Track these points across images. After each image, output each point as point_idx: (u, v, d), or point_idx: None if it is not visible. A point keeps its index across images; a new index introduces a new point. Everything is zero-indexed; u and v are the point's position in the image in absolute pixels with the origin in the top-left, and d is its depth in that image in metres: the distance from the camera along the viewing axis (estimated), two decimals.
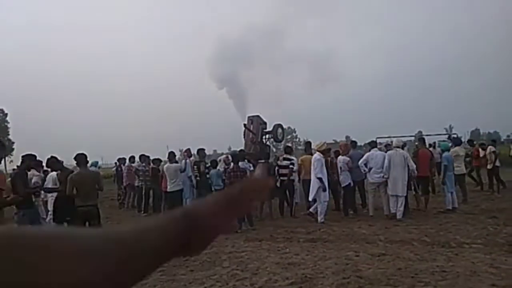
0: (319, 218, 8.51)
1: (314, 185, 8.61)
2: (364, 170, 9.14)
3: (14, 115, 60.69)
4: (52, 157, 7.21)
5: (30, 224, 6.62)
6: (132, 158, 13.06)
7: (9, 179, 6.10)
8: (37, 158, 7.02)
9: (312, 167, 8.67)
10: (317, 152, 8.81)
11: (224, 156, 11.63)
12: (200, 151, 10.38)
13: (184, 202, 10.33)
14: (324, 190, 8.57)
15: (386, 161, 8.69)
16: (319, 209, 8.58)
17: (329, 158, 10.25)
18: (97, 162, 12.06)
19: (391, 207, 8.61)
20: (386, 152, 9.09)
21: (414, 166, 8.82)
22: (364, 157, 9.19)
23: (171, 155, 10.18)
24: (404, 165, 8.54)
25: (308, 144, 11.54)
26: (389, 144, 10.20)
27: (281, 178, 9.83)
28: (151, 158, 12.04)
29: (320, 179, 8.50)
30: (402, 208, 8.39)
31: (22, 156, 6.96)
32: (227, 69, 22.62)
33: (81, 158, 6.26)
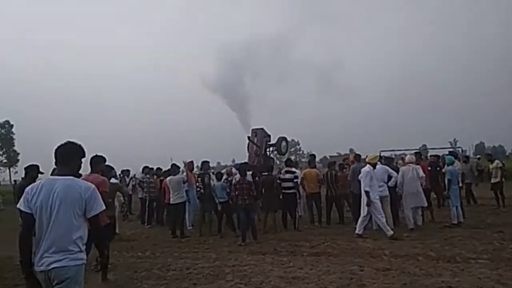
0: (356, 230, 8.34)
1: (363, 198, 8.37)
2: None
3: (20, 126, 60.96)
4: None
5: (35, 234, 6.60)
6: (145, 169, 12.70)
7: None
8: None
9: (362, 179, 8.41)
10: (368, 165, 8.61)
11: (227, 168, 11.63)
12: (204, 163, 10.39)
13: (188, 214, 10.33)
14: (368, 204, 8.30)
15: (399, 177, 8.99)
16: (359, 221, 8.38)
17: (333, 172, 10.26)
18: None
19: (410, 220, 8.80)
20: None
21: (423, 174, 9.05)
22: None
23: (174, 168, 10.18)
24: (417, 179, 8.86)
25: (312, 157, 11.52)
26: (392, 158, 10.21)
27: (284, 191, 9.81)
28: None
29: (367, 192, 8.27)
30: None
31: (25, 168, 6.99)
32: (230, 80, 22.68)
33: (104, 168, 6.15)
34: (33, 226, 2.86)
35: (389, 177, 9.01)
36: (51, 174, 3.18)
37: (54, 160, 3.05)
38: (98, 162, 6.01)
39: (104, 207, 3.05)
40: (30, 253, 2.89)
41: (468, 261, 5.93)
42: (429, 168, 10.19)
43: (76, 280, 2.85)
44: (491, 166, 12.13)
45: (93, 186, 3.04)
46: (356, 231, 8.31)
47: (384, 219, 8.20)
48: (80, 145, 3.14)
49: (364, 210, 8.36)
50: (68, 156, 3.05)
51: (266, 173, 10.12)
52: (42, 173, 6.98)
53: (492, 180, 11.62)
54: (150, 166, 12.49)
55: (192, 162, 10.26)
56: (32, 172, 6.79)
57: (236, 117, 21.18)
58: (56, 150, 3.03)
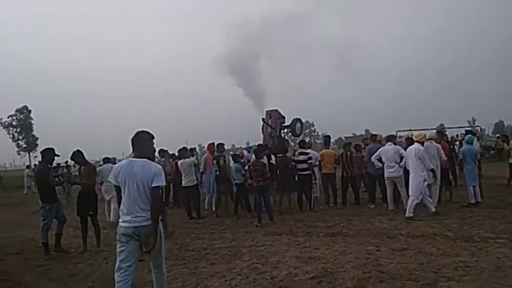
0: (407, 213, 7.95)
1: (418, 179, 8.00)
2: (378, 165, 9.09)
3: (38, 111, 62.13)
4: (77, 150, 7.34)
5: (55, 217, 6.78)
6: (161, 152, 12.56)
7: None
8: (80, 151, 7.28)
9: (415, 159, 8.06)
10: (417, 143, 8.33)
11: (240, 150, 11.64)
12: (220, 145, 10.43)
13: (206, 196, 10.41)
14: (435, 179, 8.34)
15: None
16: (409, 203, 8.02)
17: (348, 153, 10.20)
18: (115, 158, 12.11)
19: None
20: (406, 146, 8.99)
21: (445, 157, 8.86)
22: (377, 152, 9.11)
23: (183, 151, 10.24)
24: (437, 157, 8.63)
25: (327, 138, 11.44)
26: (409, 138, 10.03)
27: (299, 172, 9.81)
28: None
29: (432, 170, 8.15)
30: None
31: (41, 152, 7.14)
32: (244, 61, 22.31)
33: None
34: (120, 193, 3.76)
35: (401, 158, 8.86)
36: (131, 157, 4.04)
37: (131, 147, 3.89)
38: (45, 153, 6.78)
39: (164, 183, 3.86)
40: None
41: (487, 241, 5.87)
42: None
43: (157, 234, 3.64)
44: (507, 147, 11.93)
45: (160, 167, 3.89)
46: (407, 214, 7.93)
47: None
48: (148, 132, 3.96)
49: (413, 190, 8.04)
50: (140, 142, 3.86)
51: (280, 155, 10.12)
52: (58, 155, 7.16)
53: (510, 160, 11.38)
54: (165, 149, 12.59)
55: (213, 143, 10.25)
56: (48, 155, 6.95)
57: (250, 98, 21.08)
58: (132, 139, 3.86)
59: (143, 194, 3.68)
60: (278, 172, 9.77)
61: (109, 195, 10.03)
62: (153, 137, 4.01)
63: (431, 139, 9.14)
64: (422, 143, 8.46)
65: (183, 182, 9.72)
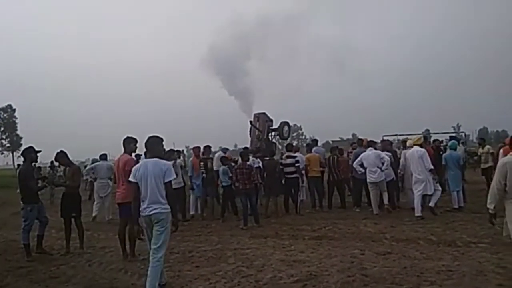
0: (417, 212, 8.24)
1: (426, 179, 8.34)
2: (360, 171, 9.22)
3: (22, 110, 61.11)
4: (61, 151, 7.22)
5: (37, 219, 6.66)
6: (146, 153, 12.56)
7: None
8: (37, 150, 6.99)
9: (419, 161, 8.38)
10: (416, 146, 8.69)
11: (218, 153, 11.56)
12: (207, 148, 10.39)
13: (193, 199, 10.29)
14: (437, 181, 8.64)
15: (402, 159, 9.28)
16: (417, 203, 8.32)
17: (335, 157, 10.26)
18: (105, 156, 11.84)
19: (410, 201, 9.02)
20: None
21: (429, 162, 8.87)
22: (359, 157, 9.22)
23: (169, 152, 10.14)
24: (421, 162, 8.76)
25: (313, 142, 11.46)
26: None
27: (286, 176, 9.83)
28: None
29: (432, 170, 8.37)
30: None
31: (22, 153, 6.99)
32: (234, 62, 22.13)
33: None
34: (138, 189, 4.57)
35: (382, 162, 8.99)
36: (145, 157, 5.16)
37: (145, 149, 4.97)
38: (129, 143, 6.36)
39: (175, 176, 4.77)
40: (139, 206, 4.56)
41: (469, 245, 5.96)
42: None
43: (167, 221, 4.55)
44: (481, 151, 11.99)
45: (169, 163, 4.83)
46: (416, 214, 8.22)
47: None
48: (158, 136, 4.84)
49: (420, 189, 8.33)
50: (152, 145, 4.77)
51: (268, 158, 10.14)
52: (39, 151, 6.98)
53: (482, 166, 11.44)
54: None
55: (198, 147, 10.18)
56: (30, 155, 6.78)
57: (238, 100, 21.03)
58: (145, 142, 4.78)
59: (156, 188, 4.50)
60: (265, 175, 9.77)
61: (104, 191, 10.20)
62: (162, 140, 4.88)
63: (410, 146, 9.36)
64: (421, 145, 8.74)
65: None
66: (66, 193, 7.06)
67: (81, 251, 6.87)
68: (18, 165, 33.02)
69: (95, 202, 10.41)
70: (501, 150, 9.40)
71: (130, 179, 4.67)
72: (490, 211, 4.54)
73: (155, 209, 4.48)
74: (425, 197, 8.49)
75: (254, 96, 20.88)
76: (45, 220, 6.90)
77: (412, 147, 9.45)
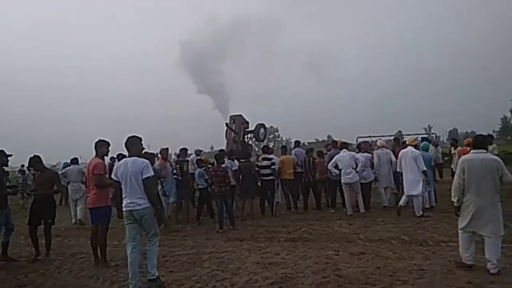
0: (418, 212, 8.42)
1: (417, 179, 8.46)
2: (334, 172, 9.35)
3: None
4: (35, 156, 6.93)
5: (4, 224, 6.40)
6: (119, 156, 12.36)
7: None
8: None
9: (413, 162, 8.51)
10: (410, 146, 8.82)
11: (192, 156, 11.44)
12: (182, 150, 10.27)
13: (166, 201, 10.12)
14: (428, 182, 8.91)
15: (375, 159, 9.66)
16: (417, 203, 8.49)
17: (310, 158, 10.34)
18: (77, 160, 11.53)
19: (383, 200, 9.72)
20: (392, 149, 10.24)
21: (395, 161, 9.47)
22: (333, 159, 9.34)
23: (147, 155, 9.97)
24: (388, 162, 9.68)
25: (296, 143, 11.48)
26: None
27: (262, 178, 9.83)
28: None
29: (425, 172, 8.48)
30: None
31: None
32: (210, 64, 21.99)
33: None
34: (120, 187, 4.89)
35: (357, 164, 9.27)
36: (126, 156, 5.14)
37: (125, 148, 5.07)
38: (101, 146, 6.25)
39: (153, 173, 4.99)
40: (121, 202, 4.89)
41: (440, 244, 6.11)
42: None
43: (149, 214, 4.88)
44: (453, 151, 12.30)
45: (146, 161, 4.99)
46: (417, 213, 8.43)
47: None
48: (137, 136, 5.13)
49: (415, 189, 8.49)
50: (131, 144, 5.03)
51: (243, 160, 10.11)
52: (10, 155, 6.73)
53: (452, 166, 11.75)
54: (124, 153, 12.23)
55: (166, 149, 9.95)
56: (0, 158, 6.52)
57: (214, 102, 20.95)
58: (125, 142, 5.03)
59: (136, 185, 4.80)
60: (241, 177, 9.72)
61: (77, 195, 10.24)
62: (141, 139, 5.16)
63: (382, 146, 9.80)
64: (415, 146, 9.01)
65: None
66: (39, 199, 6.75)
67: (50, 258, 6.65)
68: None
69: (72, 207, 10.43)
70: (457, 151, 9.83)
71: (112, 177, 5.01)
72: (454, 204, 5.02)
73: (137, 204, 4.80)
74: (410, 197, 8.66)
75: (229, 97, 20.86)
76: (11, 227, 6.63)
77: (383, 147, 9.82)
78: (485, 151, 4.92)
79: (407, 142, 9.34)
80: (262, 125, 16.21)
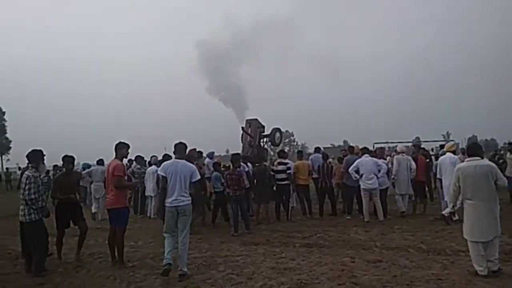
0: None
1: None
2: (355, 177, 9.20)
3: (12, 113, 60.21)
4: (70, 156, 6.89)
5: None
6: (138, 158, 12.46)
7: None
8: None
9: (451, 168, 8.03)
10: (449, 153, 8.70)
11: (207, 160, 11.49)
12: (198, 153, 10.36)
13: None
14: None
15: (395, 165, 9.44)
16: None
17: (327, 163, 10.28)
18: (102, 161, 11.83)
19: (400, 206, 9.44)
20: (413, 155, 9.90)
21: (415, 167, 9.43)
22: (355, 163, 9.23)
23: (166, 157, 10.15)
24: (408, 168, 9.41)
25: (299, 153, 11.45)
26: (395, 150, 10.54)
27: (278, 182, 9.82)
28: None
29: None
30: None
31: (28, 156, 6.23)
32: (226, 67, 21.96)
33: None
34: (166, 183, 5.52)
35: (379, 170, 9.15)
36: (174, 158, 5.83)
37: (173, 151, 5.88)
38: (121, 148, 6.32)
39: (199, 177, 5.93)
40: (165, 198, 5.51)
41: (458, 254, 5.98)
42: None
43: (189, 210, 5.56)
44: (508, 156, 11.51)
45: (195, 167, 5.90)
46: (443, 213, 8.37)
47: None
48: (184, 143, 5.89)
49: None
50: (180, 149, 5.80)
51: (258, 164, 10.13)
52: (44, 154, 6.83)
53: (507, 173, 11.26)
54: (142, 156, 12.41)
55: (194, 150, 9.96)
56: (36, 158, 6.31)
57: (230, 106, 20.98)
58: (174, 146, 5.82)
59: (183, 184, 5.48)
60: (255, 181, 9.73)
61: (99, 193, 11.02)
62: (186, 146, 6.00)
63: (402, 152, 9.61)
64: (454, 152, 8.90)
65: None
66: (64, 201, 6.59)
67: (77, 257, 6.64)
68: (7, 169, 32.67)
69: (93, 203, 11.40)
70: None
71: (161, 173, 5.66)
72: (451, 209, 5.47)
73: (181, 201, 5.43)
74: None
75: (247, 102, 20.85)
76: None
77: (403, 153, 9.65)
78: (479, 158, 5.12)
79: (445, 149, 9.31)
80: (278, 130, 16.21)
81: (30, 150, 6.04)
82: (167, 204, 5.46)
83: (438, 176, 8.94)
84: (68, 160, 6.86)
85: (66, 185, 6.68)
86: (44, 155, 6.21)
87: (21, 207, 5.78)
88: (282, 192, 9.87)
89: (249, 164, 10.76)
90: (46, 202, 6.16)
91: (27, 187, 5.64)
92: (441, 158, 8.84)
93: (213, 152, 11.98)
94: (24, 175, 5.84)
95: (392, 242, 6.96)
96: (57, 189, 6.70)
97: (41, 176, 6.20)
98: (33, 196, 5.64)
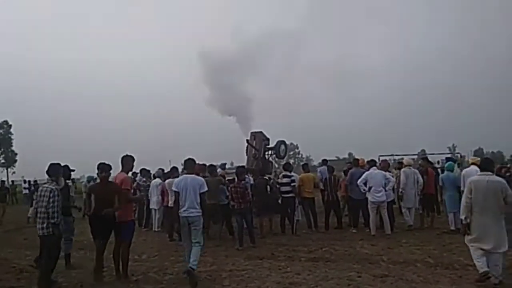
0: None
1: None
2: (364, 190, 9.11)
3: (18, 126, 60.56)
4: (107, 164, 6.35)
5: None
6: (143, 171, 12.50)
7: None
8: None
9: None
10: (473, 165, 8.51)
11: (219, 170, 11.51)
12: (210, 167, 10.35)
13: None
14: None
15: (403, 178, 9.39)
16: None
17: (333, 176, 10.23)
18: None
19: (407, 219, 9.43)
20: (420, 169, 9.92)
21: (422, 182, 9.45)
22: (363, 176, 9.16)
23: (172, 170, 10.23)
24: (416, 182, 9.44)
25: (324, 161, 11.32)
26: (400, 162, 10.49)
27: (283, 195, 9.77)
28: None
29: None
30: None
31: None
32: (232, 80, 21.95)
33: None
34: (179, 197, 6.03)
35: (387, 183, 9.10)
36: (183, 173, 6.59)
37: (182, 167, 6.93)
38: (127, 161, 6.40)
39: (207, 189, 6.24)
40: (178, 210, 6.01)
41: (467, 268, 5.89)
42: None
43: (200, 221, 6.05)
44: None
45: (203, 179, 6.33)
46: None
47: None
48: (193, 159, 6.46)
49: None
50: (189, 165, 6.38)
51: (260, 177, 10.11)
52: (73, 170, 7.43)
53: None
54: (147, 168, 12.44)
55: (203, 165, 9.83)
56: (65, 172, 6.69)
57: (235, 119, 21.01)
58: (184, 162, 6.45)
59: (193, 196, 5.96)
60: (254, 195, 9.52)
61: None
62: (195, 162, 6.53)
63: (409, 165, 9.55)
64: (478, 165, 8.69)
65: (169, 202, 9.55)
66: (97, 215, 5.97)
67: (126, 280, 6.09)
68: (12, 181, 32.80)
69: None
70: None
71: (174, 188, 6.18)
72: (463, 222, 5.43)
73: (191, 212, 5.92)
74: None
75: (252, 115, 20.85)
76: (71, 237, 7.22)
77: (410, 166, 9.62)
78: (491, 173, 5.39)
79: (470, 161, 9.33)
80: (283, 142, 16.21)
81: (49, 164, 5.98)
82: (180, 215, 5.98)
83: (462, 188, 8.88)
84: (103, 168, 6.21)
85: (101, 197, 6.01)
86: (62, 167, 6.24)
87: (40, 220, 5.67)
88: (287, 205, 9.81)
89: (250, 177, 10.74)
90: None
91: (51, 200, 5.61)
92: (465, 170, 8.75)
93: (225, 164, 12.08)
94: (45, 188, 5.76)
95: (399, 256, 6.88)
96: (88, 203, 6.13)
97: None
98: (56, 209, 5.63)
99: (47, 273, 5.78)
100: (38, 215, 5.74)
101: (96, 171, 6.33)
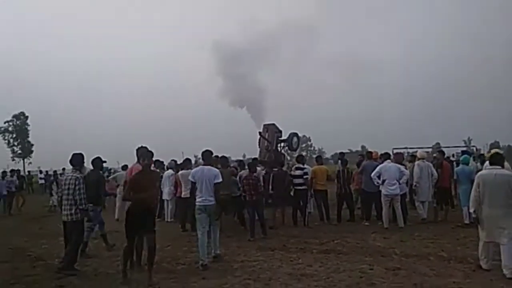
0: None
1: None
2: (378, 183, 9.04)
3: (35, 117, 61.43)
4: (150, 151, 5.96)
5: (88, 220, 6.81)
6: (157, 162, 12.42)
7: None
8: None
9: None
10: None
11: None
12: (223, 158, 10.39)
13: None
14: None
15: (417, 171, 9.31)
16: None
17: (346, 169, 10.17)
18: (127, 166, 12.08)
19: (421, 213, 9.36)
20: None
21: (437, 175, 9.34)
22: (377, 169, 9.08)
23: (186, 162, 10.30)
24: (430, 175, 9.34)
25: (341, 155, 11.29)
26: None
27: (296, 187, 9.77)
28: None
29: None
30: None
31: (92, 161, 7.52)
32: (245, 71, 21.88)
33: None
34: (195, 187, 6.33)
35: (401, 176, 9.00)
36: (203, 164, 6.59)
37: (201, 158, 6.79)
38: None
39: (221, 179, 6.49)
40: (195, 200, 6.36)
41: None
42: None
43: (215, 210, 6.38)
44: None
45: (218, 170, 6.57)
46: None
47: None
48: (210, 150, 6.77)
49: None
50: (206, 156, 6.63)
51: (276, 169, 10.09)
52: (105, 161, 7.79)
53: None
54: (161, 160, 12.54)
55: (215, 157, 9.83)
56: (99, 163, 7.60)
57: (248, 110, 21.01)
58: (202, 153, 6.70)
59: (209, 186, 6.24)
60: (273, 186, 9.67)
61: None
62: (212, 153, 6.89)
63: (422, 158, 9.45)
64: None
65: (182, 193, 9.65)
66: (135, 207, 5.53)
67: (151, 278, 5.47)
68: (29, 171, 33.35)
69: (117, 205, 11.52)
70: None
71: (190, 179, 6.45)
72: (473, 215, 5.62)
73: (208, 201, 6.23)
74: None
75: (265, 107, 20.83)
76: (93, 227, 7.47)
77: (424, 159, 9.52)
78: (499, 167, 5.50)
79: (486, 155, 9.25)
80: (295, 134, 16.17)
81: (72, 154, 6.41)
82: (196, 204, 6.28)
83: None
84: (146, 154, 5.80)
85: (141, 185, 5.49)
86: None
87: (67, 207, 6.11)
88: (299, 197, 9.81)
89: (258, 168, 10.75)
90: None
91: (77, 187, 6.10)
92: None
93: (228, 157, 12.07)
94: (69, 176, 6.23)
95: (412, 250, 6.83)
96: (130, 189, 5.62)
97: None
98: (83, 196, 6.13)
99: (73, 257, 6.15)
100: (64, 202, 6.22)
101: (118, 163, 6.51)
